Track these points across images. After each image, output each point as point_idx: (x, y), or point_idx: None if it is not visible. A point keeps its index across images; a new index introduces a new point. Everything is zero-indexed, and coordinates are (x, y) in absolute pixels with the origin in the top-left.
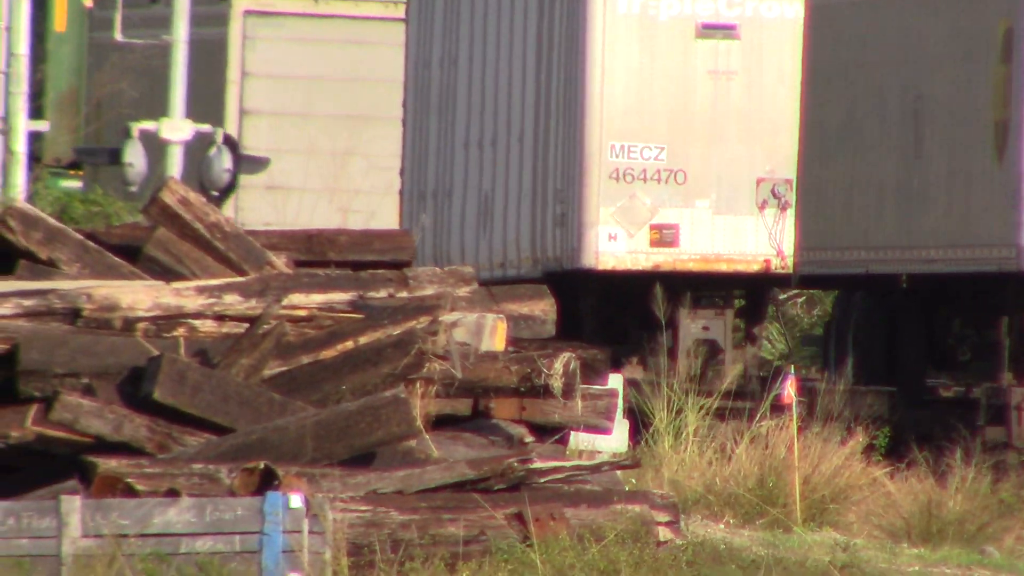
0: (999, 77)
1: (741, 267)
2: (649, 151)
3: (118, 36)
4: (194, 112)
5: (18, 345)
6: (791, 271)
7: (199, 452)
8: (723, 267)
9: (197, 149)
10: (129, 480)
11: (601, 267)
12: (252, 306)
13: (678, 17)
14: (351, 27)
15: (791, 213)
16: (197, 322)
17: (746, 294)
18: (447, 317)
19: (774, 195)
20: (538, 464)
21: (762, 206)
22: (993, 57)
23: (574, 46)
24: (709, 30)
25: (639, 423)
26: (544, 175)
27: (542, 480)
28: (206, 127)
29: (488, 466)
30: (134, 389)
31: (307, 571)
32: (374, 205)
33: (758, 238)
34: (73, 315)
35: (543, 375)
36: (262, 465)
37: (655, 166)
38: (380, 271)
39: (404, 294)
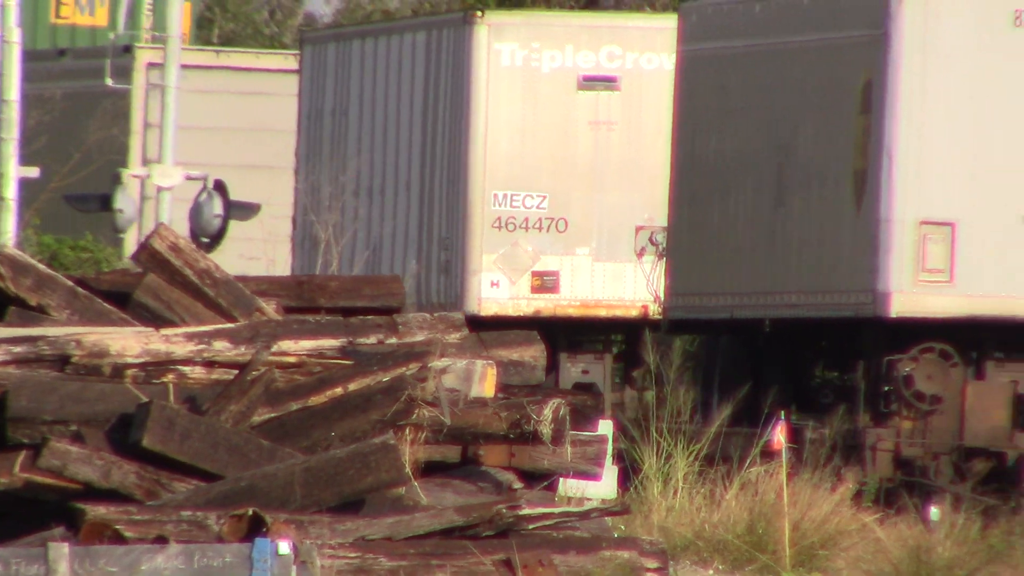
0: (859, 128)
1: (620, 312)
2: (531, 200)
3: (109, 81)
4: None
5: (7, 392)
6: None
7: (188, 499)
8: (602, 312)
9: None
10: (117, 527)
11: (483, 313)
12: (242, 352)
13: (560, 69)
14: (252, 79)
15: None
16: (186, 368)
17: (625, 338)
18: (437, 363)
19: (652, 242)
20: (527, 511)
21: (640, 253)
22: (853, 108)
23: (459, 97)
24: (590, 82)
25: (628, 468)
26: (430, 223)
27: (531, 527)
28: (197, 172)
29: (477, 512)
30: (123, 436)
31: None
32: (273, 253)
33: (637, 284)
34: (62, 361)
35: (532, 421)
36: (251, 512)
37: (537, 214)
38: (370, 317)
39: (394, 340)
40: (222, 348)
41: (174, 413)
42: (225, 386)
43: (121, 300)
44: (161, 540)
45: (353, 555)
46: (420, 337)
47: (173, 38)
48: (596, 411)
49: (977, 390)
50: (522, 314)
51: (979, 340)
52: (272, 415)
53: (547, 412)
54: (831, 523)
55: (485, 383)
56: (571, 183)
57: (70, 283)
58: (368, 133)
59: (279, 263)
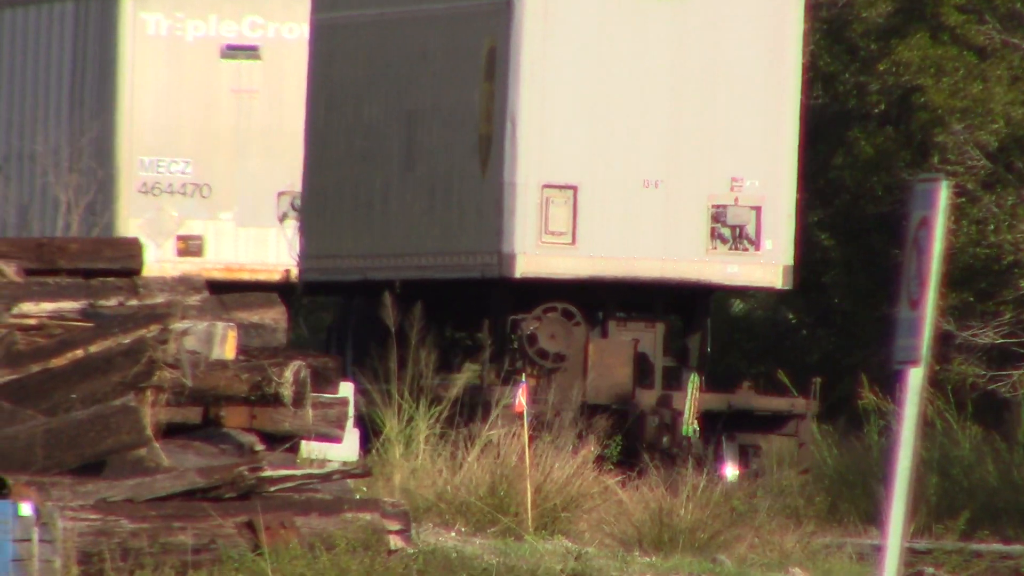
0: (484, 94)
1: (263, 276)
2: (176, 165)
3: None
4: None
5: None
6: None
7: None
8: (246, 276)
9: None
10: None
11: None
12: None
13: (203, 38)
14: None
15: None
16: None
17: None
18: (178, 325)
19: (293, 207)
20: (269, 473)
21: (282, 218)
22: (479, 75)
23: (106, 65)
24: (233, 51)
25: (370, 431)
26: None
27: (273, 489)
28: None
29: (218, 475)
30: None
31: None
32: None
33: (280, 248)
34: None
35: (273, 383)
36: None
37: (182, 179)
38: (110, 279)
39: (135, 302)
40: None
41: None
42: None
43: None
44: None
45: (95, 517)
46: (161, 299)
47: None
48: (337, 373)
49: (599, 348)
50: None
51: (602, 300)
52: (12, 377)
53: (288, 374)
54: (573, 486)
55: (226, 345)
56: (215, 149)
57: None
58: (18, 100)
59: None
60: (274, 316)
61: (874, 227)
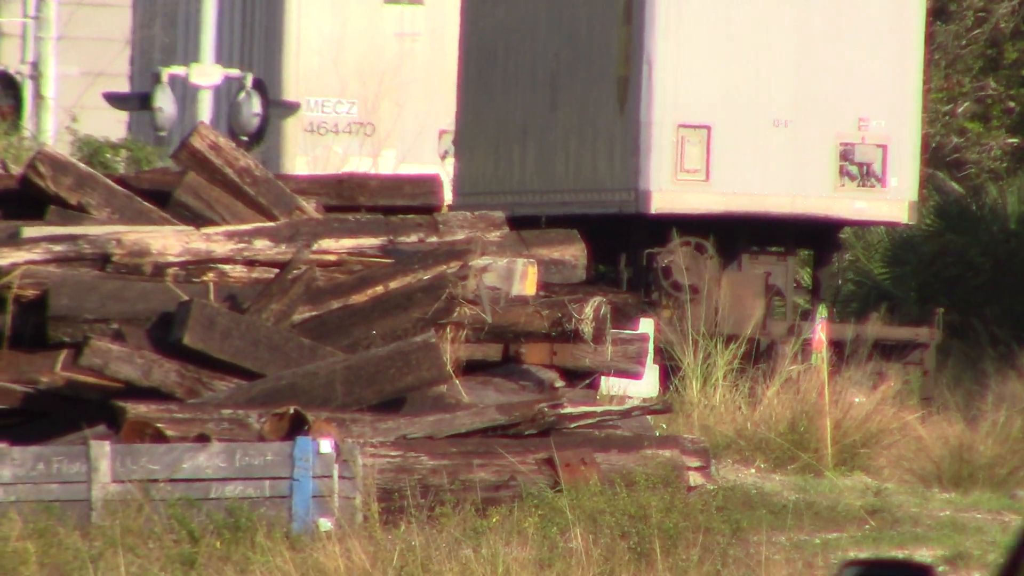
0: (622, 37)
1: None
2: (341, 106)
3: None
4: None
5: (48, 291)
6: None
7: (229, 397)
8: None
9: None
10: (159, 425)
11: None
12: (282, 251)
13: None
14: None
15: None
16: (227, 267)
17: None
18: (477, 262)
19: (454, 144)
20: (568, 409)
21: (443, 156)
22: (617, 19)
23: (273, 9)
24: None
25: (668, 368)
26: None
27: (572, 425)
28: (235, 72)
29: (518, 411)
30: (164, 334)
31: (337, 516)
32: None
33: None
34: (103, 260)
35: (574, 320)
36: (292, 410)
37: (347, 119)
38: (410, 216)
39: (434, 239)
40: (262, 247)
41: (215, 312)
42: (266, 285)
43: (161, 199)
44: (203, 438)
45: (395, 453)
46: (460, 236)
47: None
48: (637, 309)
49: (731, 280)
50: None
51: (734, 235)
52: (313, 313)
53: (588, 311)
54: (872, 422)
55: (526, 281)
56: (378, 90)
57: (110, 182)
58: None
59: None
60: (574, 252)
61: None
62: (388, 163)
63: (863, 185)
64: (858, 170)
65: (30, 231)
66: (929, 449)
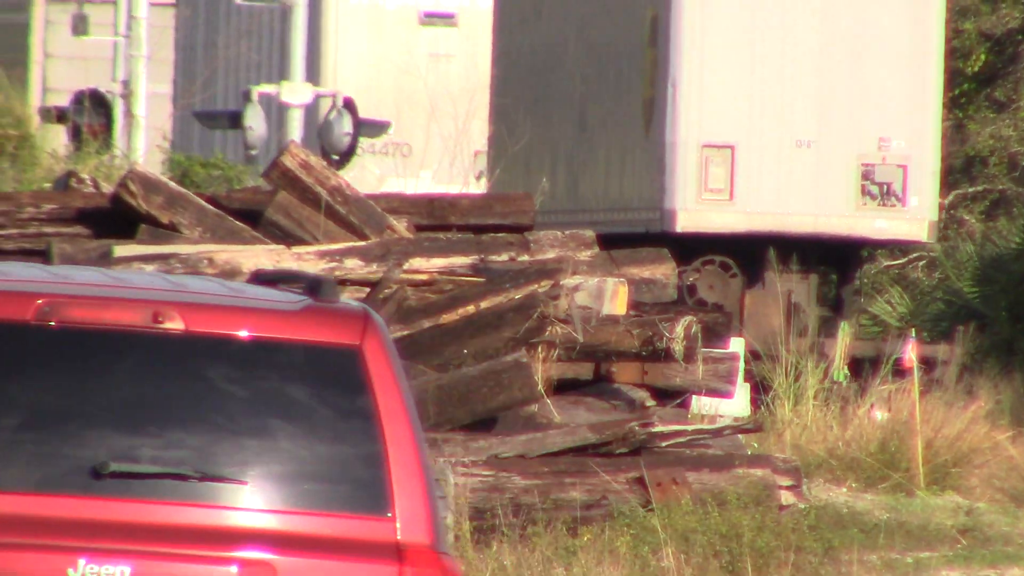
0: (648, 60)
1: None
2: None
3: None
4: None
5: None
6: None
7: None
8: None
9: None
10: None
11: None
12: (373, 270)
13: (403, 6)
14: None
15: None
16: None
17: None
18: (568, 281)
19: (487, 165)
20: (659, 428)
21: (478, 176)
22: (643, 41)
23: (313, 33)
24: (430, 18)
25: (759, 386)
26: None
27: (663, 444)
28: (326, 90)
29: (610, 430)
30: None
31: None
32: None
33: None
34: None
35: (664, 339)
36: None
37: (383, 139)
38: (501, 235)
39: (525, 258)
40: (354, 266)
41: None
42: None
43: (252, 218)
44: None
45: (487, 473)
46: (551, 255)
47: None
48: (727, 328)
49: (755, 298)
50: None
51: (758, 254)
52: (404, 333)
53: (679, 329)
54: (964, 441)
55: (617, 300)
56: (414, 111)
57: (201, 201)
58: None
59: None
60: (664, 271)
61: None
62: (424, 184)
63: (884, 204)
64: (879, 189)
65: (121, 250)
66: (1021, 468)
